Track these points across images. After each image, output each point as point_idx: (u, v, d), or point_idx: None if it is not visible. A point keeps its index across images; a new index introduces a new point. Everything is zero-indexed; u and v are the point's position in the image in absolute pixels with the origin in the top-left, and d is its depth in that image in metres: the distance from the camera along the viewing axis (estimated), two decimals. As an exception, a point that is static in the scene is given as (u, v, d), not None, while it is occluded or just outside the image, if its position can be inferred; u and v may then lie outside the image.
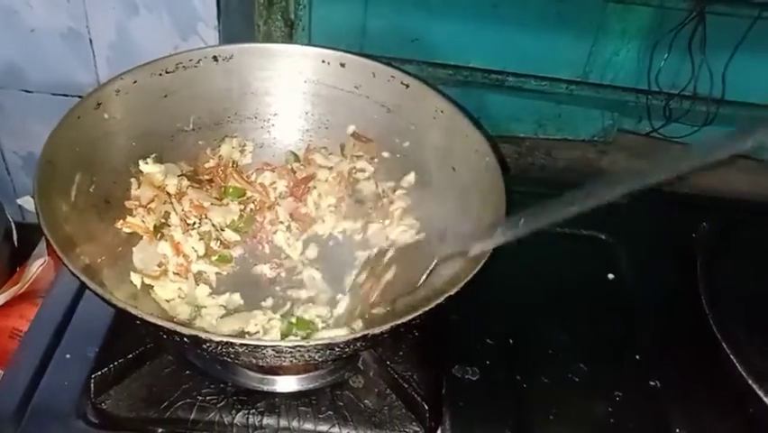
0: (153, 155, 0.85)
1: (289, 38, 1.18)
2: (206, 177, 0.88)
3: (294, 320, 0.75)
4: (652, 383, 0.84)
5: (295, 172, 0.90)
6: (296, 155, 0.92)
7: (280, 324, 0.74)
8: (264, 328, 0.74)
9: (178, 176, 0.86)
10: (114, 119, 0.82)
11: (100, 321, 0.81)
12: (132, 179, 0.84)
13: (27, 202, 1.27)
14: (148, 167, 0.84)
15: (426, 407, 0.74)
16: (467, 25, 1.20)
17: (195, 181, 0.87)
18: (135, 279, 0.77)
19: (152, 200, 0.83)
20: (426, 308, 0.63)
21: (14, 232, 1.28)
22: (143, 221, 0.81)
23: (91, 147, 0.79)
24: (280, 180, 0.90)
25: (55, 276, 1.09)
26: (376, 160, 0.91)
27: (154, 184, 0.84)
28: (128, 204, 0.82)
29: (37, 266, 1.19)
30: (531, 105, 1.31)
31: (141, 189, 0.83)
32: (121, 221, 0.80)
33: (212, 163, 0.90)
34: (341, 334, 0.72)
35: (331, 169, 0.91)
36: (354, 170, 0.91)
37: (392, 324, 0.60)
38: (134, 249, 0.80)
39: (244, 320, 0.75)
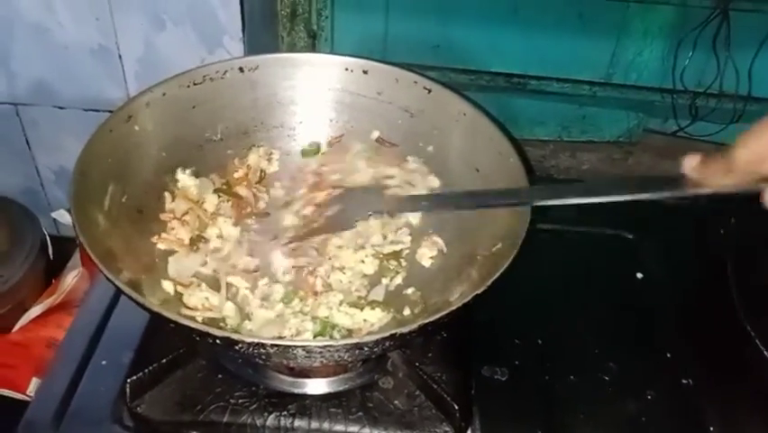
0: (190, 169, 0.88)
1: (313, 48, 1.20)
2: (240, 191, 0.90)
3: (325, 322, 0.76)
4: (684, 381, 0.83)
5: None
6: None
7: (312, 326, 0.75)
8: (298, 331, 0.75)
9: (214, 191, 0.88)
10: (145, 131, 0.84)
11: (134, 328, 0.83)
12: (167, 193, 0.86)
13: (61, 215, 1.30)
14: (182, 180, 0.86)
15: (456, 407, 0.75)
16: (488, 30, 1.21)
17: (230, 195, 0.89)
18: (167, 286, 0.79)
19: (186, 213, 0.85)
20: (454, 308, 0.63)
21: (50, 244, 1.31)
22: (177, 236, 0.83)
23: (123, 159, 0.81)
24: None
25: (89, 286, 1.12)
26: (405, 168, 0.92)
27: (189, 197, 0.86)
28: (163, 216, 0.84)
29: (72, 277, 1.22)
30: (554, 108, 1.31)
31: (176, 203, 0.85)
32: (156, 237, 0.82)
33: (240, 173, 0.92)
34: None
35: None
36: (383, 177, 0.92)
37: (420, 323, 0.61)
38: (170, 259, 0.81)
39: (281, 325, 0.76)
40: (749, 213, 0.98)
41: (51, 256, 1.30)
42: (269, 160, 0.93)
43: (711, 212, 1.02)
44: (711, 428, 0.79)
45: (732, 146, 0.60)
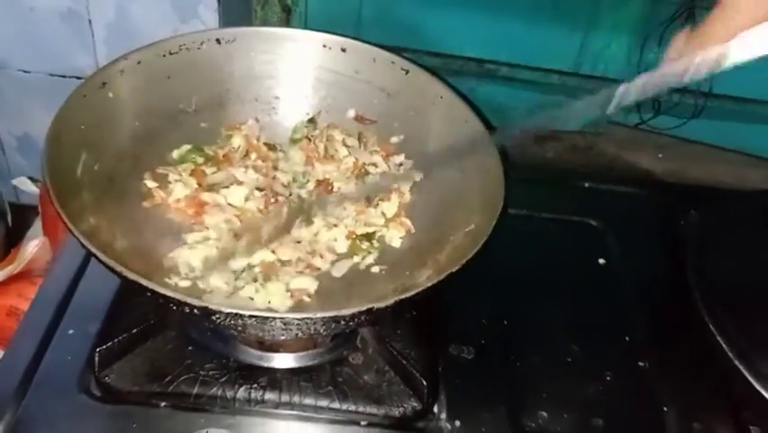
0: None
1: (286, 23, 1.19)
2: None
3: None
4: (641, 364, 0.86)
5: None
6: (313, 121, 0.94)
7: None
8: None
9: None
10: (119, 99, 0.82)
11: (103, 297, 0.82)
12: None
13: (22, 183, 1.26)
14: None
15: (425, 383, 0.76)
16: (461, 15, 1.22)
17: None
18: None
19: None
20: (429, 285, 0.65)
21: (9, 212, 1.28)
22: None
23: (96, 126, 0.80)
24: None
25: (54, 254, 1.10)
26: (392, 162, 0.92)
27: None
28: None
29: (32, 246, 1.19)
30: (522, 96, 1.33)
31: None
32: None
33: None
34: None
35: (348, 153, 0.92)
36: (367, 164, 0.92)
37: (396, 298, 0.62)
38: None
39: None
40: (709, 206, 1.03)
41: (11, 224, 1.27)
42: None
43: (673, 203, 1.05)
44: (665, 408, 0.82)
45: None
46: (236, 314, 0.59)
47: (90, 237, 0.65)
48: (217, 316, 0.60)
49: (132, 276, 0.60)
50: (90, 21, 1.07)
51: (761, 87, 1.19)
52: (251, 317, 0.60)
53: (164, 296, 0.60)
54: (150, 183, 0.84)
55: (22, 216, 1.28)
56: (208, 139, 0.91)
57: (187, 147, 0.88)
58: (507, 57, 1.25)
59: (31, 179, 1.26)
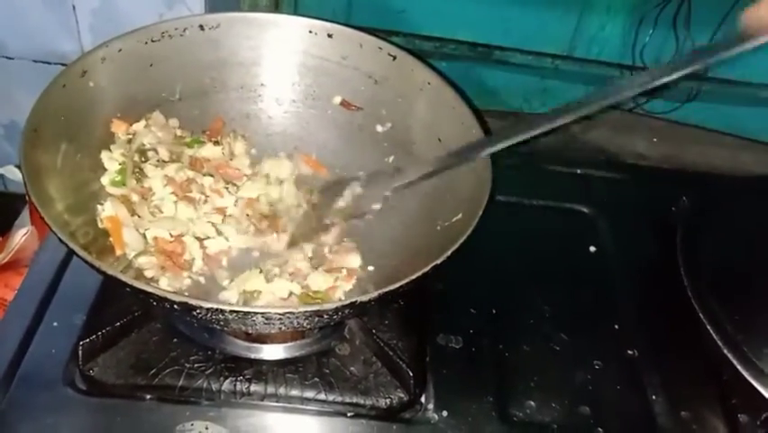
0: None
1: (276, 8, 1.17)
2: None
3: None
4: (630, 352, 0.86)
5: None
6: None
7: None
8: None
9: None
10: (100, 87, 0.81)
11: (87, 289, 0.81)
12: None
13: (9, 171, 1.25)
14: None
15: (411, 374, 0.76)
16: (454, -2, 1.20)
17: None
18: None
19: None
20: (413, 277, 0.64)
21: (-4, 201, 1.27)
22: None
23: (76, 115, 0.79)
24: None
25: (39, 245, 1.09)
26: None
27: None
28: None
29: (20, 235, 1.18)
30: (517, 80, 1.32)
31: None
32: None
33: None
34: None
35: None
36: None
37: (380, 291, 0.61)
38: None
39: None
40: (700, 193, 1.02)
41: (-2, 213, 1.26)
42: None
43: (664, 189, 1.05)
44: (654, 396, 0.82)
45: None
46: (217, 309, 0.59)
47: (70, 231, 0.64)
48: (198, 311, 0.59)
49: (110, 272, 0.59)
50: (74, 6, 1.05)
51: (755, 70, 1.18)
52: (231, 312, 0.59)
53: (143, 291, 0.59)
54: (109, 211, 0.78)
55: (9, 205, 1.27)
56: (193, 129, 0.90)
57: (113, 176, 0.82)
58: (501, 40, 1.24)
59: (18, 167, 1.25)
